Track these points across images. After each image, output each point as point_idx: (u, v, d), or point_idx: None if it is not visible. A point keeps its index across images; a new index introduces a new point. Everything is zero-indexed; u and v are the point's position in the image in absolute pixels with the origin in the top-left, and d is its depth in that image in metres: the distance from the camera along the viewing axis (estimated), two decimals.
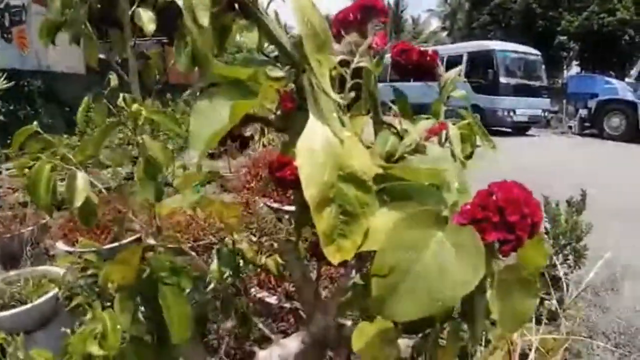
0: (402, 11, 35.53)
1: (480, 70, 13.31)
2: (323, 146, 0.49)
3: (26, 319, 1.95)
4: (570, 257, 2.85)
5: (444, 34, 33.58)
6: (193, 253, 1.32)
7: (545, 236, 2.91)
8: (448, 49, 15.42)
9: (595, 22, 19.32)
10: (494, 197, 0.43)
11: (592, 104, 13.64)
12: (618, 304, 2.97)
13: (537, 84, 13.94)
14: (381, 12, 0.69)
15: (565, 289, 2.86)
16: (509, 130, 13.57)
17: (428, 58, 0.66)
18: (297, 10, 0.51)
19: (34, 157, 1.05)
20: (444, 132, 0.63)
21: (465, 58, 13.84)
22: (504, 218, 0.42)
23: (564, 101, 15.70)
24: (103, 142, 0.90)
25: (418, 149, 0.61)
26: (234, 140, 0.61)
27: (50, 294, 2.06)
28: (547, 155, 9.43)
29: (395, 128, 0.65)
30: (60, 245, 2.76)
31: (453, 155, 0.61)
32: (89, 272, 1.49)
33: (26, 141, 1.04)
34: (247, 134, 0.63)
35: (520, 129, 13.68)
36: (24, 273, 2.48)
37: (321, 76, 0.51)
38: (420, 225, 0.45)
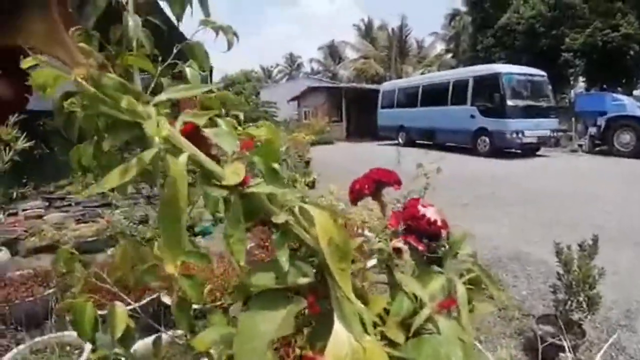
0: (406, 36, 35.90)
1: (487, 94, 13.43)
2: (348, 354, 0.57)
3: None
4: (584, 303, 2.85)
5: (449, 55, 33.81)
6: None
7: (559, 282, 2.92)
8: (454, 74, 15.59)
9: (600, 38, 19.42)
10: None
11: (601, 121, 13.60)
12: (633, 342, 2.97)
13: (545, 104, 13.99)
14: (395, 183, 0.78)
15: (581, 334, 2.87)
16: (519, 151, 13.58)
17: (435, 227, 0.74)
18: (321, 230, 0.59)
19: (69, 272, 1.15)
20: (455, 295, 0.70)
21: (471, 82, 13.99)
22: None
23: (573, 119, 15.65)
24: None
25: (429, 319, 0.69)
26: None
27: None
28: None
29: (408, 291, 0.73)
30: None
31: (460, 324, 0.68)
32: None
33: (64, 261, 1.14)
34: None
35: (529, 150, 13.67)
36: (50, 340, 2.56)
37: (344, 283, 0.59)
38: None
